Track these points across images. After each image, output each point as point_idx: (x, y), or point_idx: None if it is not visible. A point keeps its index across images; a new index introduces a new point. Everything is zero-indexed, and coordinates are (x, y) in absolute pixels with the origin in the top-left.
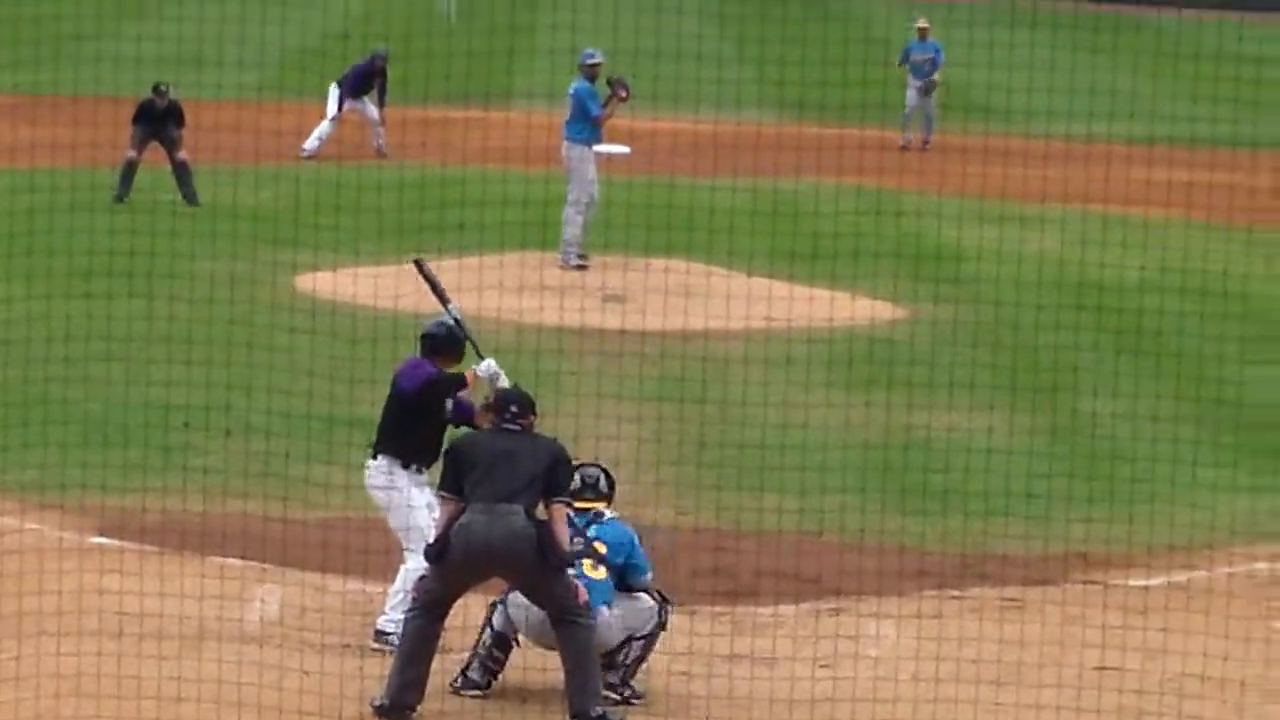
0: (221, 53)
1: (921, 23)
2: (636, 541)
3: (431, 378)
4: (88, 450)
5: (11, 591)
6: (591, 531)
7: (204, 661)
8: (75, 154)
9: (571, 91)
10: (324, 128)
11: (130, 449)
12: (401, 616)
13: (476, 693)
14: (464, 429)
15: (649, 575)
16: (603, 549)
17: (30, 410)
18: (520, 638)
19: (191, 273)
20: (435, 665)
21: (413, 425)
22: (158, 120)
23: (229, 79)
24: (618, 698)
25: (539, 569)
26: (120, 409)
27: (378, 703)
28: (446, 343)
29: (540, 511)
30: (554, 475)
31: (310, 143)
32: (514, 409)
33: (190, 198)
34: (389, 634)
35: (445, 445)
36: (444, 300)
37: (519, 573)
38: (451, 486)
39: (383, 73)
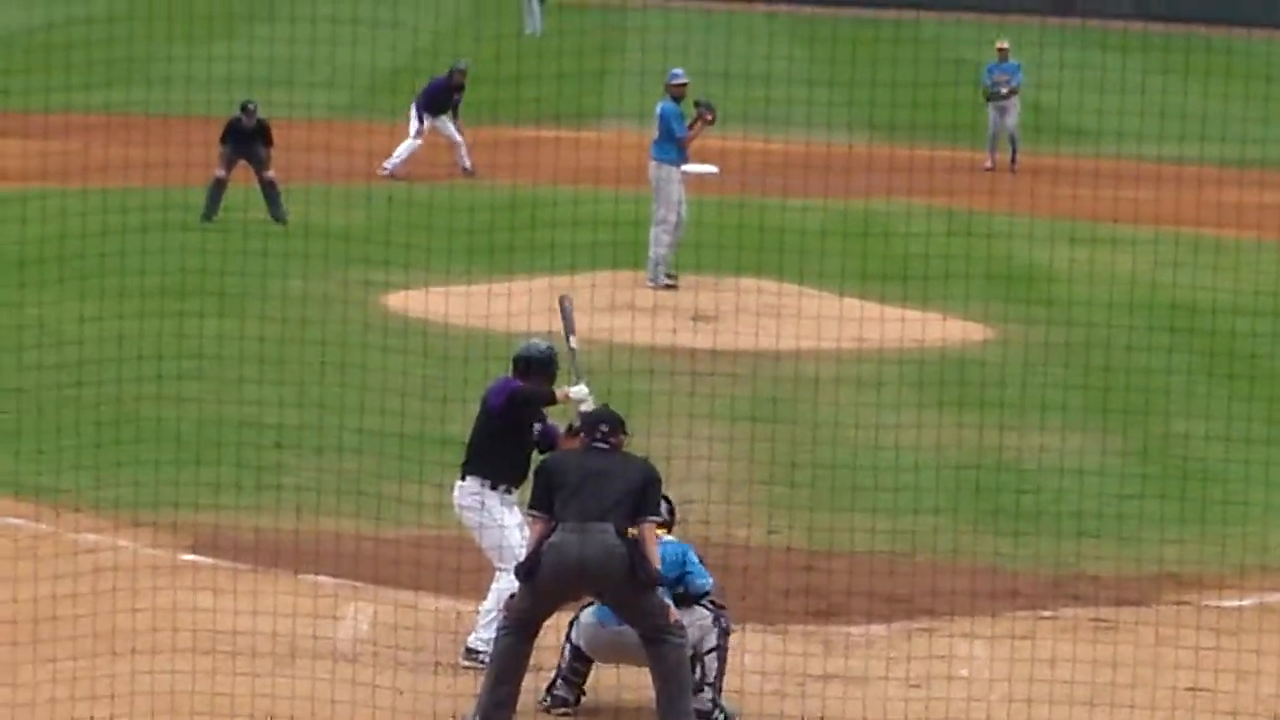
0: (312, 73)
1: (1001, 43)
2: (692, 553)
3: (517, 389)
4: (179, 469)
5: (104, 609)
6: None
7: (296, 679)
8: (166, 173)
9: (658, 111)
10: (407, 146)
11: (221, 467)
12: (492, 635)
13: (565, 709)
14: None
15: (709, 582)
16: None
17: (121, 429)
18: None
19: (281, 292)
20: (527, 683)
21: (501, 444)
22: (246, 139)
23: (318, 99)
24: None
25: (630, 587)
26: (211, 428)
27: (471, 718)
28: (539, 364)
29: (631, 530)
30: (645, 494)
31: (392, 161)
32: (604, 428)
33: (279, 217)
34: (479, 652)
35: (534, 466)
36: (569, 334)
37: (609, 591)
38: (542, 504)
39: (460, 88)
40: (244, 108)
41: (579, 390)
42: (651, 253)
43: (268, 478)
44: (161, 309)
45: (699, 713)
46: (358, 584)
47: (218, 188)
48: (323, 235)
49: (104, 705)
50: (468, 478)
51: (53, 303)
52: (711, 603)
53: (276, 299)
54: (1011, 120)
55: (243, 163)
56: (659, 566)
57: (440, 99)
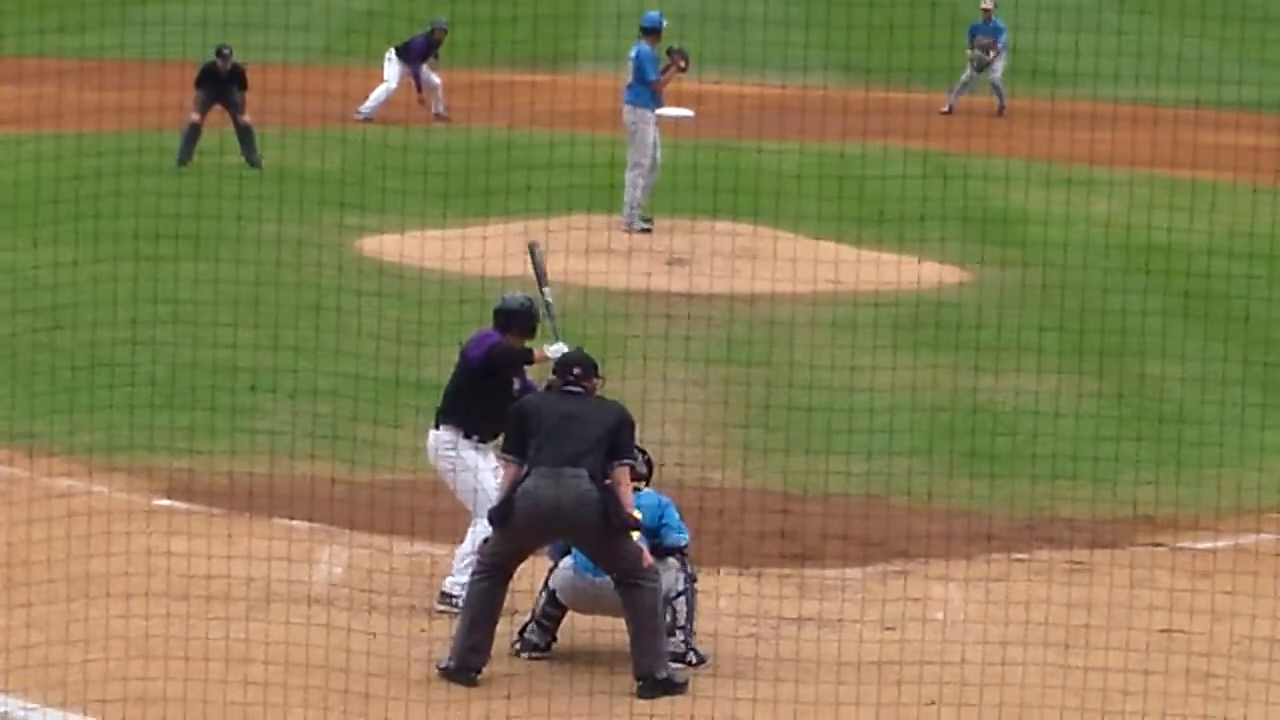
0: (287, 16)
1: (986, 3)
2: (672, 509)
3: (496, 344)
4: (153, 413)
5: (78, 554)
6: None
7: (270, 623)
8: (140, 117)
9: (632, 55)
10: (383, 90)
11: (196, 412)
12: (467, 579)
13: (537, 653)
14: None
15: (684, 538)
16: (639, 515)
17: (95, 373)
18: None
19: (256, 236)
20: (501, 628)
21: (477, 395)
22: (221, 83)
23: (294, 42)
24: (686, 664)
25: (603, 532)
26: (186, 372)
27: (443, 665)
28: (519, 317)
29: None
30: (618, 437)
31: (367, 105)
32: (576, 371)
33: (254, 161)
34: (454, 596)
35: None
36: (542, 283)
37: (583, 536)
38: (515, 449)
39: (439, 44)
40: (219, 52)
41: (557, 349)
42: (626, 196)
43: (242, 422)
44: (136, 253)
45: (672, 655)
46: (332, 528)
47: (193, 132)
48: (298, 179)
49: (78, 650)
50: (442, 427)
51: (26, 248)
52: (682, 554)
53: (251, 243)
54: (996, 74)
55: (218, 107)
56: (633, 510)
57: (420, 55)
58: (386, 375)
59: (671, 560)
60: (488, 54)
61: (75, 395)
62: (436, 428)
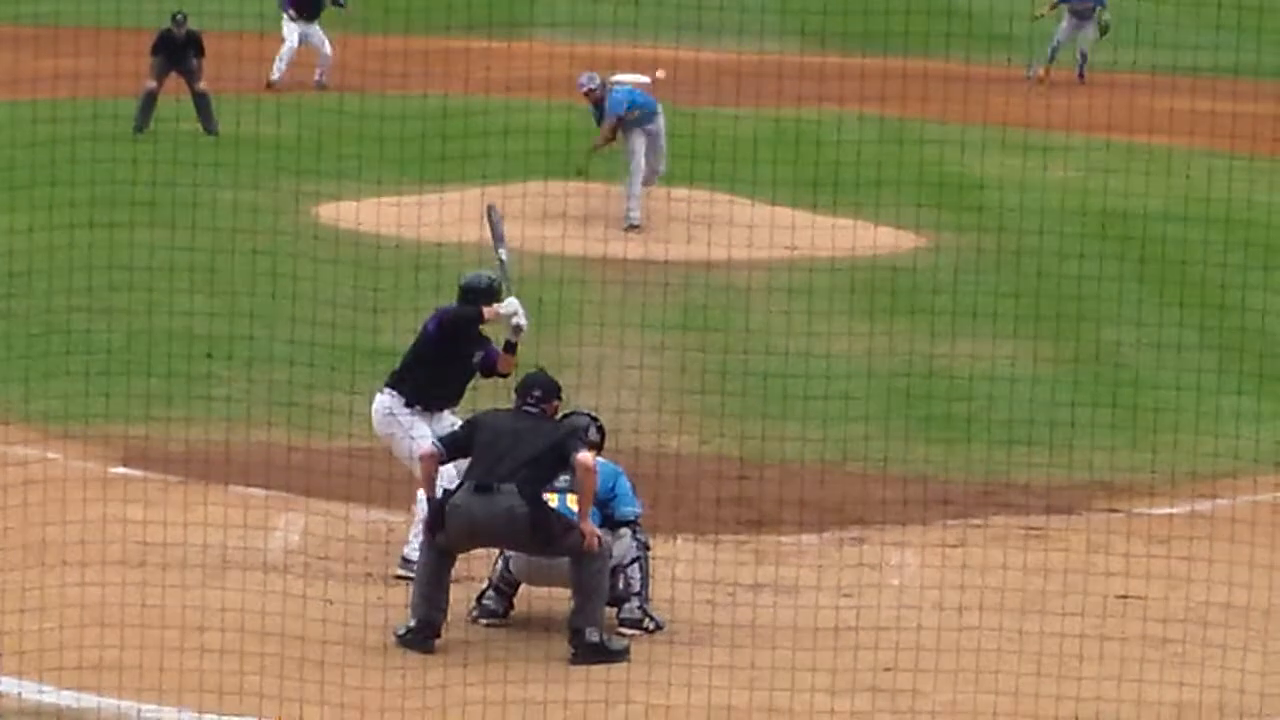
0: None
1: None
2: (624, 479)
3: (446, 313)
4: (109, 380)
5: (34, 521)
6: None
7: (226, 591)
8: (96, 84)
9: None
10: (286, 52)
11: (152, 379)
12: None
13: (495, 619)
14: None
15: (635, 510)
16: (573, 502)
17: (51, 340)
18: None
19: (213, 202)
20: (459, 594)
21: (428, 364)
22: (177, 50)
23: (249, 9)
24: (640, 630)
25: (538, 540)
26: (142, 339)
27: (400, 632)
28: (484, 295)
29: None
30: (562, 450)
31: (274, 73)
32: (536, 393)
33: (210, 127)
34: (414, 562)
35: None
36: (498, 245)
37: (518, 546)
38: (448, 446)
39: None
40: (174, 18)
41: (508, 305)
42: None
43: (199, 389)
44: (91, 220)
45: (628, 620)
46: (289, 495)
47: (149, 99)
48: (254, 146)
49: (34, 617)
50: (387, 390)
51: None
52: (635, 526)
53: (207, 210)
54: (1090, 33)
55: (175, 74)
56: (595, 494)
57: (309, 3)
58: (344, 342)
59: (624, 529)
60: (444, 19)
61: (31, 363)
62: (382, 390)
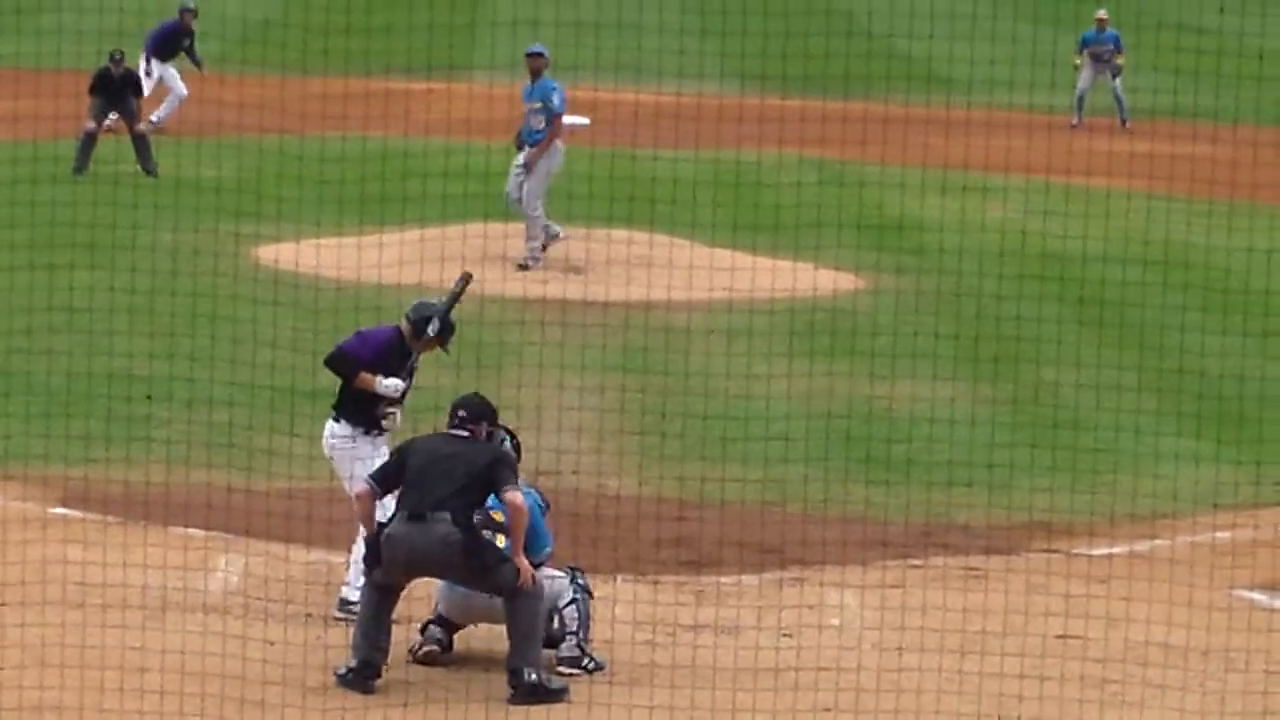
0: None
1: (1101, 14)
2: (538, 511)
3: (334, 353)
4: (49, 421)
5: None
6: (490, 502)
7: (166, 632)
8: (36, 126)
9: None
10: (177, 95)
11: (91, 420)
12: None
13: (439, 648)
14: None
15: (548, 549)
16: (500, 518)
17: None
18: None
19: (152, 244)
20: (399, 635)
21: (358, 394)
22: (114, 89)
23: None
24: (580, 670)
25: (471, 568)
26: (81, 380)
27: (341, 672)
28: (423, 325)
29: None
30: (492, 474)
31: (161, 113)
32: (461, 414)
33: (149, 168)
34: (353, 603)
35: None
36: (451, 303)
37: (452, 574)
38: (380, 479)
39: (191, 33)
40: (112, 57)
41: (390, 384)
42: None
43: (138, 430)
44: (31, 261)
45: (566, 659)
46: (228, 536)
47: (89, 140)
48: (193, 188)
49: None
50: (341, 420)
51: None
52: (571, 568)
53: (147, 251)
54: (1117, 84)
55: (113, 115)
56: (525, 530)
57: (171, 46)
58: (283, 384)
59: (556, 571)
60: (382, 62)
61: None
62: (335, 420)
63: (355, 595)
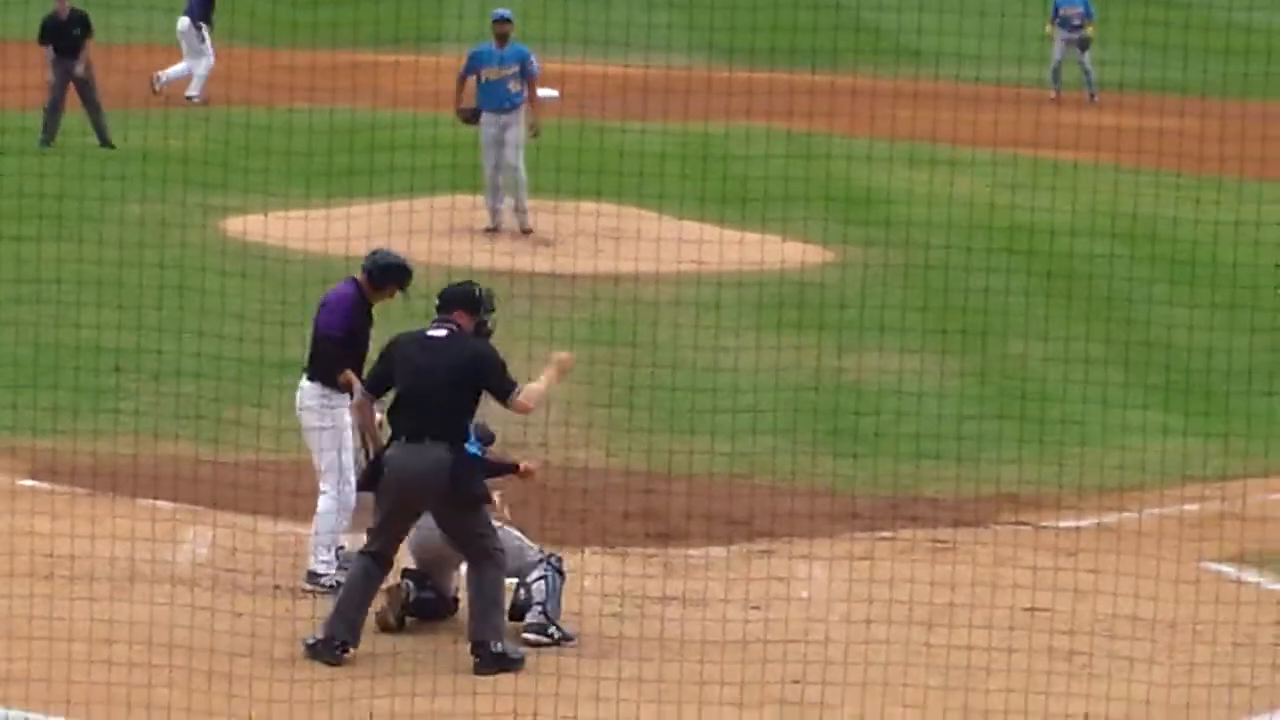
0: None
1: None
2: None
3: (326, 336)
4: (16, 393)
5: None
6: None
7: (134, 603)
8: (3, 97)
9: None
10: (203, 67)
11: (59, 392)
12: (329, 557)
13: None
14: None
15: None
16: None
17: None
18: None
19: (119, 216)
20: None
21: (339, 353)
22: (64, 31)
23: (156, 22)
24: (546, 639)
25: (454, 499)
26: (49, 351)
27: (310, 641)
28: (393, 273)
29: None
30: (482, 381)
31: (193, 88)
32: (437, 302)
33: (105, 141)
34: (320, 575)
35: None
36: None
37: (438, 503)
38: (372, 386)
39: None
40: None
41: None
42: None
43: (106, 402)
44: None
45: (533, 626)
46: (196, 508)
47: (55, 107)
48: (161, 159)
49: None
50: (315, 380)
51: None
52: (542, 550)
53: (114, 223)
54: (1086, 55)
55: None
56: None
57: (210, 7)
58: (250, 356)
59: (533, 546)
60: (350, 34)
61: None
62: (310, 379)
63: (323, 568)
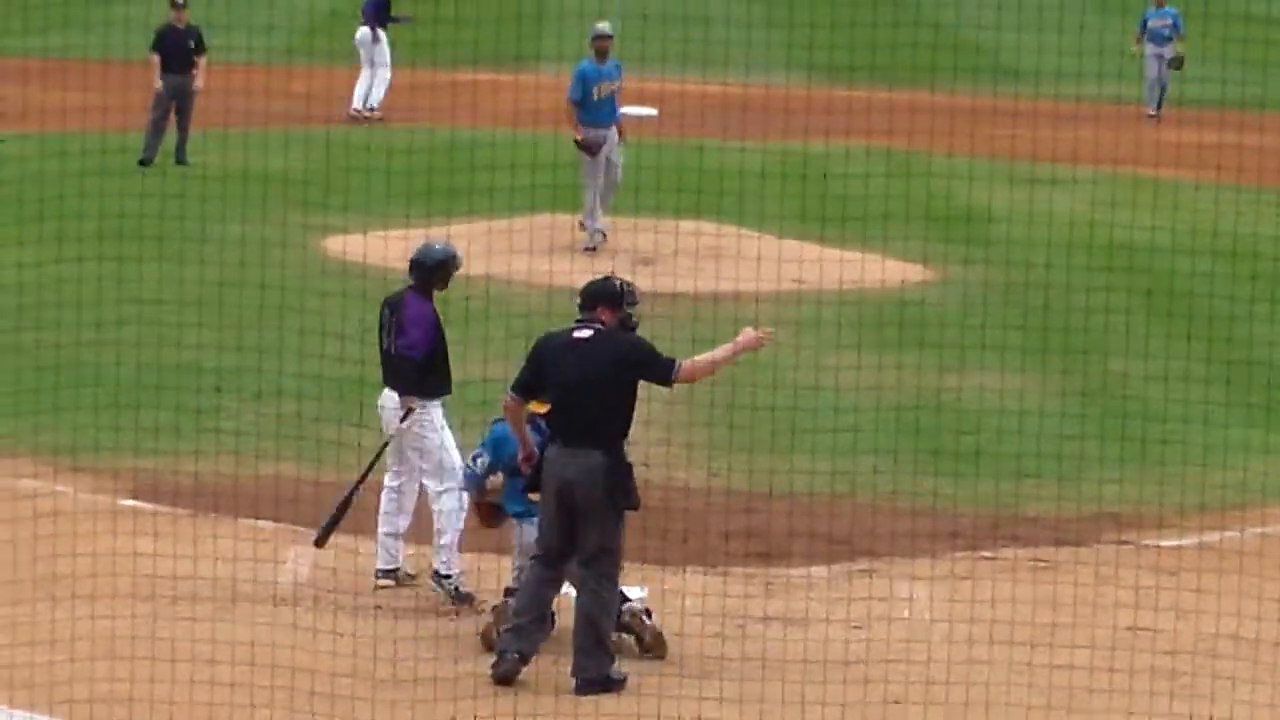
0: (251, 16)
1: None
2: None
3: (417, 359)
4: (119, 413)
5: (44, 555)
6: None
7: (236, 624)
8: (105, 117)
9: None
10: (381, 78)
11: (161, 412)
12: (451, 558)
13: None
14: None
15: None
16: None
17: (61, 374)
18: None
19: (221, 236)
20: (464, 628)
21: (428, 363)
22: (179, 44)
23: (257, 43)
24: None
25: (603, 504)
26: (151, 372)
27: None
28: (441, 270)
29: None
30: (640, 372)
31: (374, 98)
32: (578, 301)
33: (182, 158)
34: (446, 576)
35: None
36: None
37: (591, 505)
38: (521, 390)
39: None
40: (174, 3)
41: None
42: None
43: (207, 422)
44: (100, 254)
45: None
46: (297, 528)
47: (156, 130)
48: (261, 179)
49: (44, 650)
50: (404, 394)
51: None
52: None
53: (215, 243)
54: (1167, 72)
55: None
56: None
57: (385, 13)
58: (351, 376)
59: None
60: (450, 53)
61: (40, 396)
62: (397, 391)
63: (445, 569)
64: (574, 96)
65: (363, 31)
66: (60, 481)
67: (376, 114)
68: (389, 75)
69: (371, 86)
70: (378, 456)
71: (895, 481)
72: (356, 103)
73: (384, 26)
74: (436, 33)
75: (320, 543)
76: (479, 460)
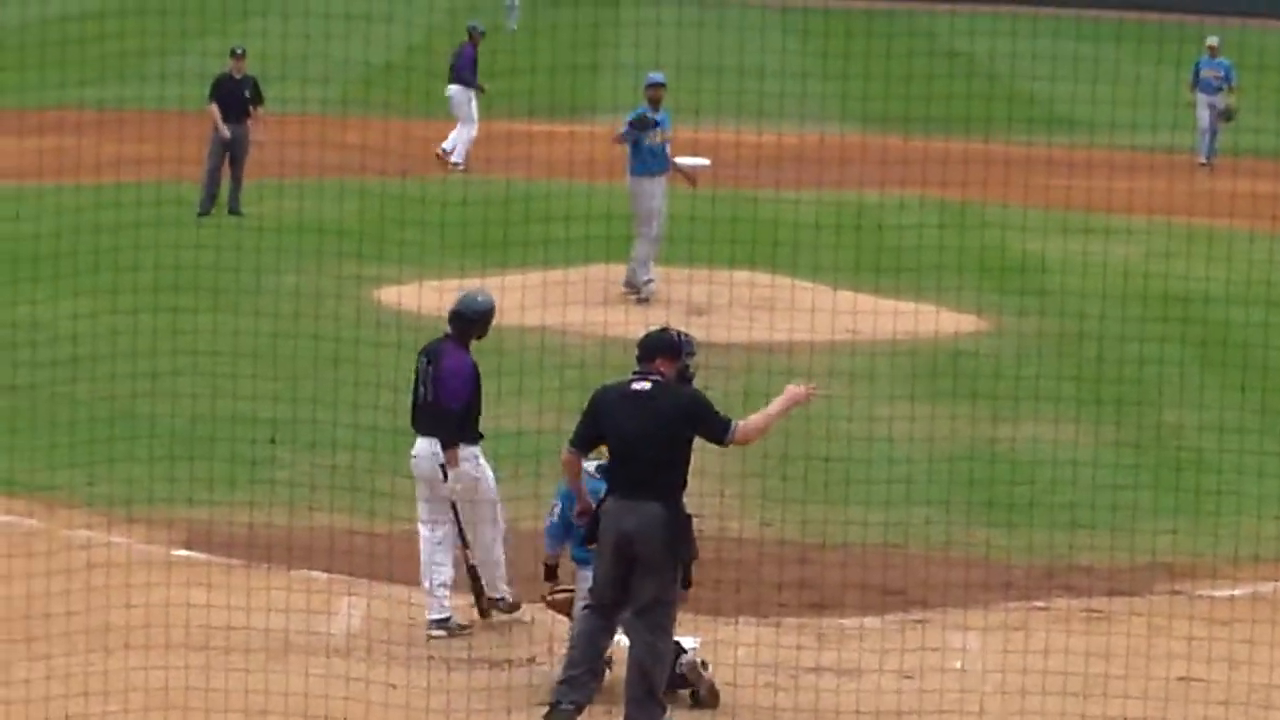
0: (305, 68)
1: (1212, 40)
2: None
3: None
4: (172, 464)
5: (98, 605)
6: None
7: (289, 674)
8: (160, 169)
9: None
10: (467, 133)
11: (214, 463)
12: (502, 577)
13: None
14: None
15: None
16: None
17: (115, 425)
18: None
19: (274, 287)
20: (522, 678)
21: (466, 410)
22: (235, 92)
23: (311, 94)
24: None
25: (662, 556)
26: (205, 423)
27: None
28: (481, 322)
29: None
30: (697, 430)
31: (457, 154)
32: (637, 353)
33: (235, 208)
34: (499, 599)
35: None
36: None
37: (650, 556)
38: (579, 443)
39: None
40: (233, 53)
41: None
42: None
43: (261, 473)
44: (155, 305)
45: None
46: (350, 579)
47: (212, 180)
48: (315, 230)
49: (97, 701)
50: (443, 443)
51: (47, 300)
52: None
53: (269, 294)
54: (1221, 121)
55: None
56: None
57: (470, 64)
58: (403, 427)
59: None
60: (506, 105)
61: (95, 447)
62: (435, 439)
63: (496, 594)
64: (629, 139)
65: (454, 89)
66: (114, 532)
67: (460, 167)
68: (473, 132)
69: (458, 140)
70: (456, 514)
71: (948, 532)
72: (449, 145)
73: (474, 85)
74: (492, 83)
75: (485, 614)
76: (556, 509)
